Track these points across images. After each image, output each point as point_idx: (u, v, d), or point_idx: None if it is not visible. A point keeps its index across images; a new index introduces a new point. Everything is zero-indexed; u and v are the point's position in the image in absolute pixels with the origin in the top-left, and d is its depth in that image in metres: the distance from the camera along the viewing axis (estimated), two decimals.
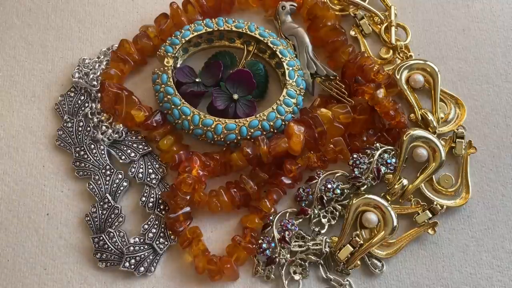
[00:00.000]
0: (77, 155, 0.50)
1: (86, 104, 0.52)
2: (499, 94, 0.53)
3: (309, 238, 0.47)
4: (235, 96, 0.50)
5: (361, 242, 0.47)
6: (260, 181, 0.48)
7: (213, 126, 0.48)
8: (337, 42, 0.52)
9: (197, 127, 0.48)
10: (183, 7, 0.54)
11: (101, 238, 0.47)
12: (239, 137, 0.48)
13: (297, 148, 0.47)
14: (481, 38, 0.55)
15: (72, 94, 0.52)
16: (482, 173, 0.50)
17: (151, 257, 0.47)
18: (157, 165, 0.50)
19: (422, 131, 0.49)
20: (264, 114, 0.49)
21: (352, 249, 0.46)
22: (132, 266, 0.46)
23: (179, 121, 0.49)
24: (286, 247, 0.47)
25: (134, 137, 0.51)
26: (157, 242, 0.47)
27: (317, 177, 0.49)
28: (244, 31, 0.52)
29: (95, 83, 0.52)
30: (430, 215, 0.48)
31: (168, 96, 0.49)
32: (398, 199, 0.49)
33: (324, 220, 0.48)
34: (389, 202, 0.48)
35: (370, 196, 0.47)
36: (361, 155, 0.49)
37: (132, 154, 0.50)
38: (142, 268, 0.47)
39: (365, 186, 0.48)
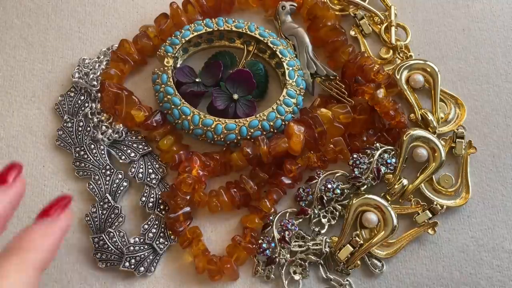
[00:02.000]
0: (77, 155, 0.50)
1: (86, 104, 0.52)
2: (499, 94, 0.53)
3: (309, 238, 0.47)
4: (235, 96, 0.50)
5: (361, 242, 0.47)
6: (260, 181, 0.48)
7: (213, 126, 0.48)
8: (337, 42, 0.52)
9: (197, 127, 0.48)
10: (183, 7, 0.54)
11: (101, 238, 0.47)
12: (239, 137, 0.48)
13: (297, 148, 0.47)
14: (481, 38, 0.55)
15: (72, 94, 0.52)
16: (482, 173, 0.50)
17: (151, 257, 0.47)
18: (157, 165, 0.50)
19: (422, 131, 0.49)
20: (264, 114, 0.49)
21: (352, 249, 0.46)
22: (132, 266, 0.46)
23: (179, 121, 0.49)
24: (286, 247, 0.47)
25: (134, 137, 0.51)
26: (157, 242, 0.47)
27: (317, 177, 0.49)
28: (244, 31, 0.52)
29: (95, 83, 0.52)
30: (430, 215, 0.48)
31: (168, 96, 0.49)
32: (398, 199, 0.49)
33: (324, 220, 0.48)
34: (389, 202, 0.48)
35: (370, 196, 0.47)
36: (361, 155, 0.49)
37: (132, 154, 0.50)
38: (142, 268, 0.47)
39: (365, 186, 0.48)
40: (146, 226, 0.48)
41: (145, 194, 0.49)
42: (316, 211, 0.48)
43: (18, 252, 0.32)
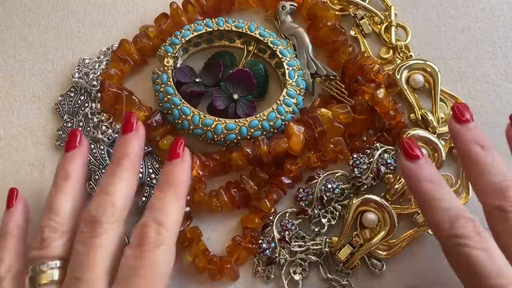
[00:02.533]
0: None
1: (86, 104, 0.52)
2: (499, 94, 0.53)
3: (309, 238, 0.47)
4: (235, 96, 0.50)
5: (361, 242, 0.47)
6: (260, 181, 0.48)
7: (213, 126, 0.48)
8: (337, 42, 0.52)
9: (197, 127, 0.48)
10: (183, 7, 0.54)
11: None
12: (239, 137, 0.48)
13: (297, 148, 0.47)
14: (481, 38, 0.55)
15: (72, 94, 0.52)
16: None
17: None
18: (157, 165, 0.50)
19: (422, 131, 0.49)
20: (264, 114, 0.49)
21: (352, 249, 0.46)
22: None
23: (179, 121, 0.49)
24: (286, 247, 0.47)
25: None
26: None
27: (317, 177, 0.49)
28: (244, 31, 0.52)
29: (95, 83, 0.52)
30: None
31: (168, 96, 0.49)
32: (398, 199, 0.49)
33: (324, 220, 0.48)
34: (389, 202, 0.48)
35: (370, 196, 0.47)
36: (361, 155, 0.49)
37: None
38: None
39: (365, 186, 0.48)
40: None
41: (145, 194, 0.49)
42: (316, 211, 0.48)
43: (172, 185, 0.40)
